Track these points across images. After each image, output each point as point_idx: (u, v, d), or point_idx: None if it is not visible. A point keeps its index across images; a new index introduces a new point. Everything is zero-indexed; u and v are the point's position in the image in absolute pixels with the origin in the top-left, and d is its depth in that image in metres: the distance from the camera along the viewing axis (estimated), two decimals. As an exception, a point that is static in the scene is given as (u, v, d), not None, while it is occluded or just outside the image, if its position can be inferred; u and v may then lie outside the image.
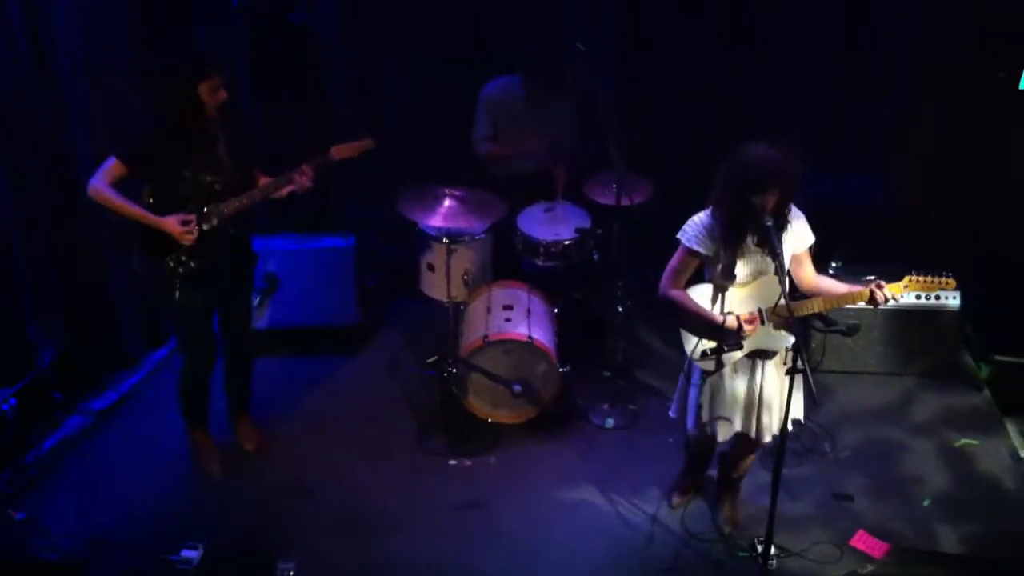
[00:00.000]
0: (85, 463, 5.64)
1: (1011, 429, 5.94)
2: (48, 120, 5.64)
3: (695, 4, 7.08)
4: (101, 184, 4.82)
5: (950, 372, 6.36)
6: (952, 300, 6.20)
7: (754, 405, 4.63)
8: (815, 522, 5.20)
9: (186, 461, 5.58)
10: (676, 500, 5.31)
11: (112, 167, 4.82)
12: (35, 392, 5.71)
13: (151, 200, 4.88)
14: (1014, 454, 5.72)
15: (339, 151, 5.14)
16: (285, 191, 5.10)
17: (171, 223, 4.84)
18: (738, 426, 4.68)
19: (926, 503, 5.35)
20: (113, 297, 6.21)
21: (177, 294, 5.03)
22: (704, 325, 4.46)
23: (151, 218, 4.85)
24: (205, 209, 4.92)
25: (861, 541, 5.05)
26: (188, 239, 4.87)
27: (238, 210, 4.98)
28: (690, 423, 4.75)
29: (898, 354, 6.35)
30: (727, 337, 4.42)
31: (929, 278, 4.40)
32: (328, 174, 5.24)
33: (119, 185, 4.84)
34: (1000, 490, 5.48)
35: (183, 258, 4.95)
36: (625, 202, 5.78)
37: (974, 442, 5.81)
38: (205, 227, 4.91)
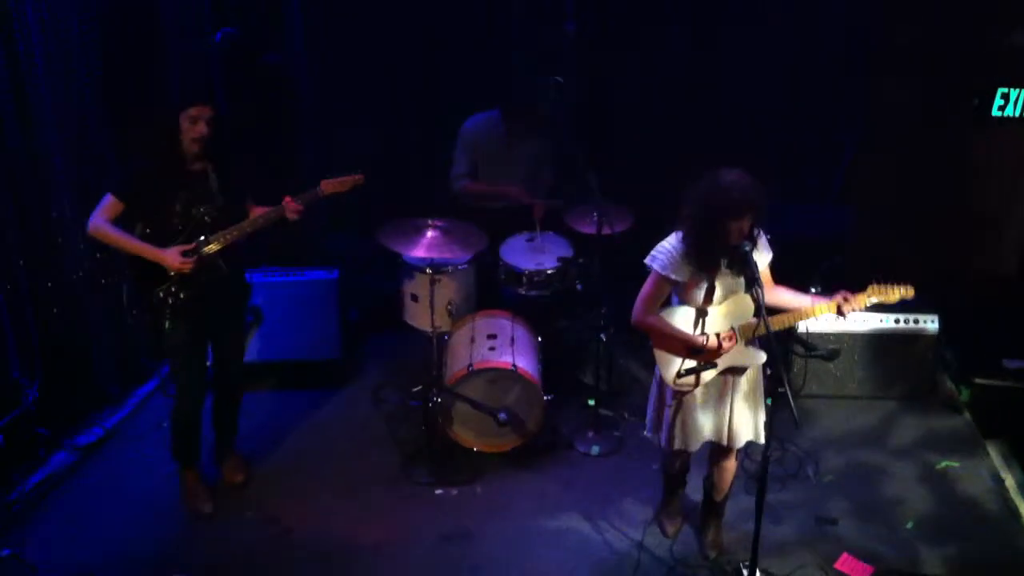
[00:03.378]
0: (70, 499, 5.62)
1: (992, 451, 5.99)
2: (24, 164, 5.67)
3: (665, 41, 7.23)
4: (100, 221, 4.90)
5: (930, 396, 6.42)
6: (930, 324, 6.26)
7: (725, 419, 4.72)
8: (800, 546, 5.22)
9: (170, 497, 5.56)
10: (670, 528, 5.32)
11: (109, 204, 4.90)
12: (20, 428, 5.72)
13: (147, 231, 4.94)
14: (995, 476, 5.76)
15: (329, 185, 5.18)
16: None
17: (171, 255, 4.90)
18: (708, 435, 4.76)
19: (909, 526, 5.38)
20: (91, 336, 6.22)
21: (167, 324, 5.07)
22: (683, 346, 4.53)
23: (152, 251, 4.91)
24: (197, 240, 4.97)
25: (845, 564, 5.07)
26: (186, 269, 4.91)
27: (228, 241, 5.03)
28: (663, 440, 4.82)
29: (878, 378, 6.40)
30: (705, 357, 4.50)
31: (890, 286, 4.52)
32: (315, 208, 5.28)
33: (117, 221, 4.91)
34: (982, 512, 5.51)
35: (172, 288, 4.99)
36: (606, 231, 5.84)
37: (956, 465, 5.85)
38: (197, 256, 4.96)
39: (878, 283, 4.52)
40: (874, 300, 4.54)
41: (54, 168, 5.81)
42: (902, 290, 4.53)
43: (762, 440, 4.75)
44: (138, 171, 5.01)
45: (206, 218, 5.00)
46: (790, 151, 7.43)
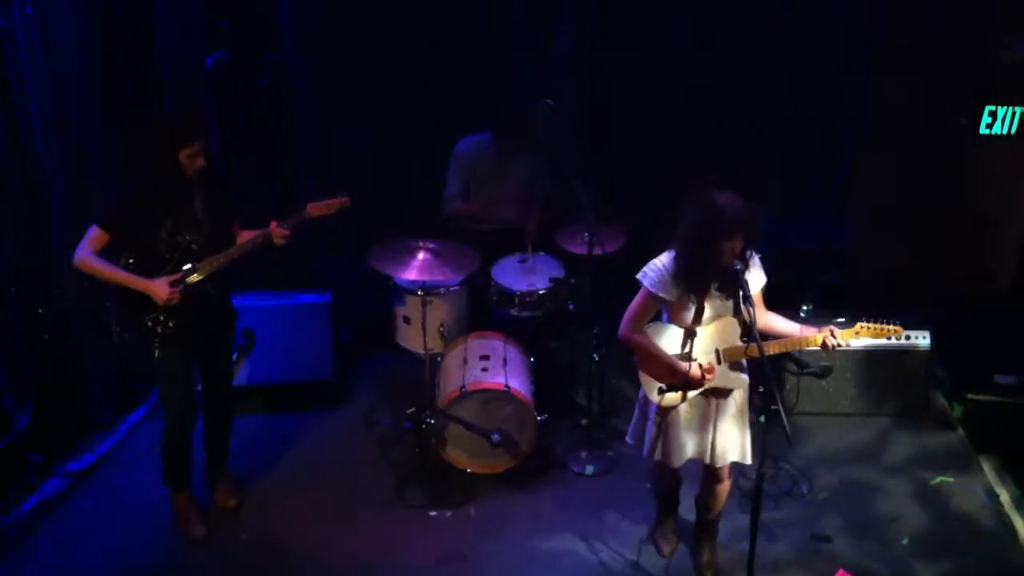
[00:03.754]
0: (63, 525, 5.59)
1: (986, 466, 5.99)
2: (19, 188, 5.66)
3: (665, 41, 7.27)
4: (86, 254, 4.87)
5: (922, 412, 6.43)
6: (922, 340, 6.27)
7: (708, 438, 4.72)
8: (795, 564, 5.22)
9: (163, 521, 5.54)
10: (665, 548, 5.31)
11: (95, 236, 4.87)
12: (12, 455, 5.69)
13: (130, 261, 4.92)
14: (990, 491, 5.77)
15: (315, 208, 5.20)
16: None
17: (159, 287, 4.88)
18: (691, 453, 4.76)
19: (904, 542, 5.38)
20: (83, 362, 6.20)
21: (156, 353, 5.05)
22: (664, 369, 4.55)
23: (139, 282, 4.89)
24: (184, 268, 4.95)
25: (841, 582, 5.08)
26: (174, 300, 4.90)
27: (215, 269, 5.02)
28: (645, 450, 4.84)
29: (871, 395, 6.41)
30: (686, 381, 4.52)
31: (878, 325, 4.50)
32: (303, 231, 5.29)
33: (103, 252, 4.88)
34: (977, 527, 5.51)
35: (161, 317, 4.97)
36: (598, 251, 5.85)
37: (950, 480, 5.86)
38: (184, 286, 4.95)
39: (868, 320, 4.50)
40: (862, 338, 4.53)
41: (49, 190, 5.79)
42: (891, 328, 4.50)
43: (748, 461, 4.78)
44: (124, 200, 5.00)
45: (193, 246, 4.98)
46: (790, 151, 7.44)
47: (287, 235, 5.15)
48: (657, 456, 4.79)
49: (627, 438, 5.01)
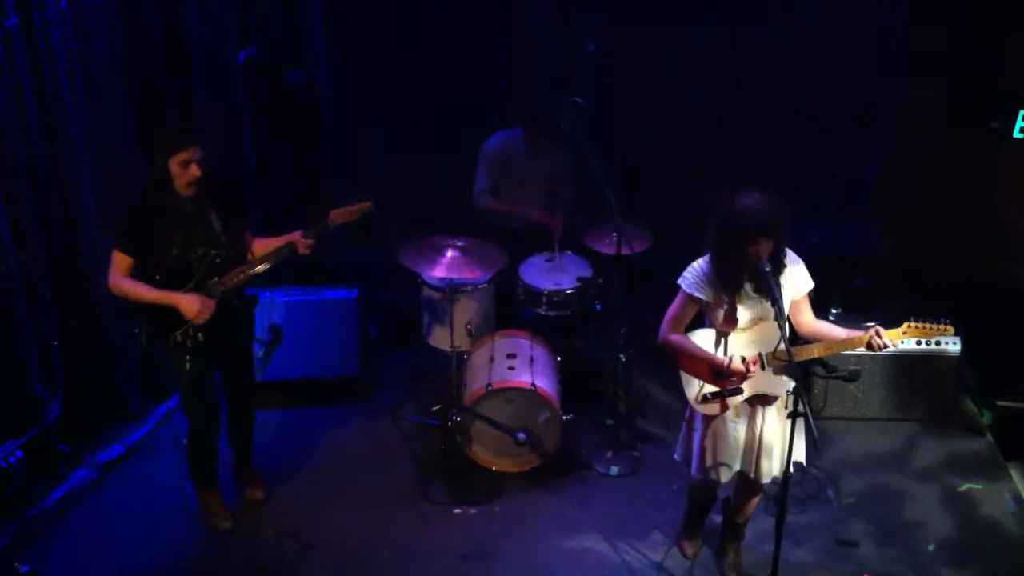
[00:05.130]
0: (91, 516, 5.64)
1: (1014, 474, 5.94)
2: (50, 179, 5.69)
3: (685, 62, 7.24)
4: (117, 279, 4.88)
5: (951, 417, 6.38)
6: (952, 346, 6.22)
7: (754, 449, 4.65)
8: (820, 568, 5.19)
9: (190, 514, 5.57)
10: (689, 550, 5.29)
11: (117, 260, 4.88)
12: (42, 445, 5.73)
13: (157, 278, 4.91)
14: (1017, 499, 5.72)
15: (339, 215, 5.12)
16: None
17: (186, 301, 4.86)
18: (739, 466, 4.69)
19: (931, 548, 5.34)
20: (114, 353, 6.24)
21: (188, 366, 5.05)
22: (705, 368, 4.50)
23: (173, 299, 4.88)
24: (211, 283, 4.96)
25: (866, 587, 5.06)
26: (204, 316, 4.90)
27: (242, 282, 5.03)
28: (694, 468, 4.77)
29: (899, 400, 6.36)
30: (729, 379, 4.46)
31: (928, 324, 4.38)
32: (328, 235, 5.26)
33: (131, 272, 4.89)
34: (1004, 535, 5.47)
35: (191, 331, 4.96)
36: (625, 251, 5.84)
37: (977, 487, 5.81)
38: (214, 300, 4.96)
39: (915, 320, 4.38)
40: (910, 338, 4.42)
41: (77, 173, 5.82)
42: (940, 327, 4.37)
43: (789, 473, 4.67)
44: (129, 216, 4.94)
45: (217, 260, 4.96)
46: (811, 155, 7.39)
47: (312, 244, 5.11)
48: (708, 475, 4.73)
49: (675, 455, 4.95)
